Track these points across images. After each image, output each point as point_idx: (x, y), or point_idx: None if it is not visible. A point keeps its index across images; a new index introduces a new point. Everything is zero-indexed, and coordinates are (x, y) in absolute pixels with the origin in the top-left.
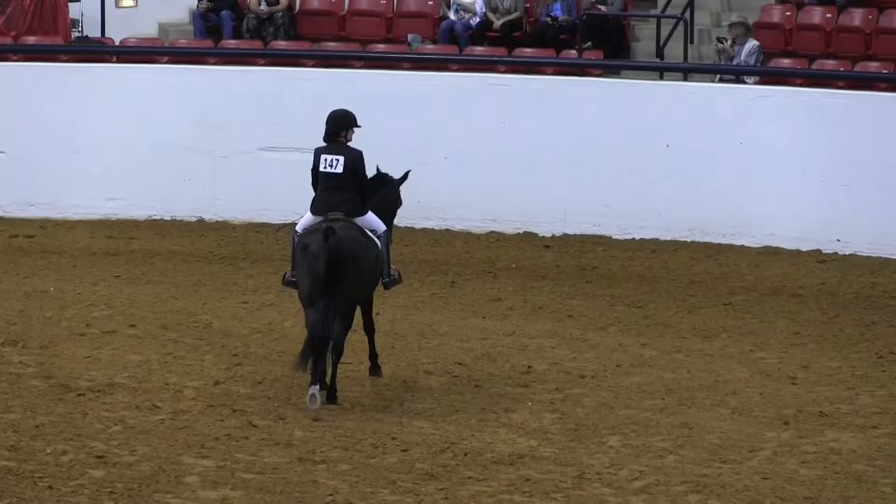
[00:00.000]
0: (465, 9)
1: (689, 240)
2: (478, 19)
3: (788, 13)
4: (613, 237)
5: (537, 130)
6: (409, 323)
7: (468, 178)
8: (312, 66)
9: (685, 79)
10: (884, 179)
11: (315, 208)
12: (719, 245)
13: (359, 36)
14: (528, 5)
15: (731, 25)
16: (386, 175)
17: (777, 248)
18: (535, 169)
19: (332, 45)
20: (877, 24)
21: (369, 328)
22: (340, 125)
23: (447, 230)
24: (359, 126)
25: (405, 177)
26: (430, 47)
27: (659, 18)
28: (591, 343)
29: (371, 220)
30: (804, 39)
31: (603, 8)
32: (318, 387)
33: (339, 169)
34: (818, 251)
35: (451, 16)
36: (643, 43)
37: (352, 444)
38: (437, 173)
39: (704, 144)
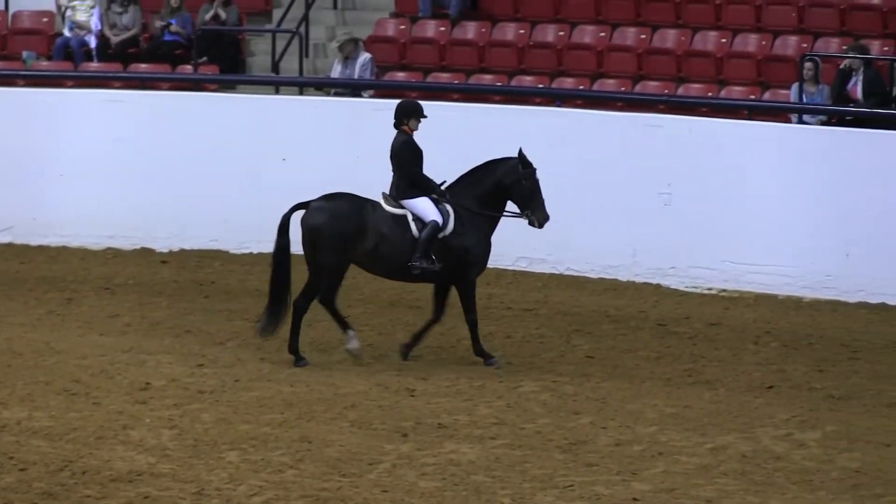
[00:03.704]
0: (80, 26)
1: None
2: (93, 36)
3: (403, 27)
4: (231, 252)
5: (154, 146)
6: (27, 341)
7: (84, 195)
8: None
9: (301, 93)
10: None
11: None
12: None
13: None
14: (144, 22)
15: (341, 44)
16: (511, 158)
17: None
18: (152, 184)
19: None
20: (490, 37)
21: (467, 318)
22: (400, 114)
23: (64, 247)
24: (425, 116)
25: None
26: (44, 64)
27: (274, 33)
28: (210, 358)
29: (414, 205)
30: (419, 53)
31: (221, 13)
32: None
33: (391, 154)
34: None
35: (67, 32)
36: (259, 57)
37: None
38: (53, 190)
39: (321, 158)
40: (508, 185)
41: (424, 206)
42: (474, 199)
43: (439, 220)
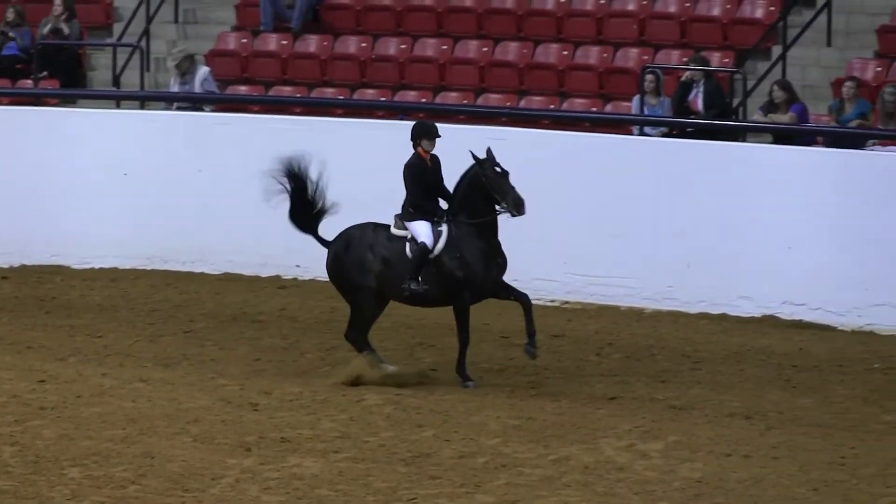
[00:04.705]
0: None
1: (148, 268)
2: None
3: (244, 40)
4: (73, 266)
5: None
6: None
7: None
8: None
9: (142, 107)
10: (361, 208)
11: None
12: (179, 273)
13: None
14: None
15: (177, 62)
16: (473, 165)
17: (237, 274)
18: None
19: None
20: (332, 50)
21: (459, 336)
22: (413, 136)
23: None
24: (438, 136)
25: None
26: None
27: (115, 47)
28: (51, 374)
29: (412, 227)
30: (261, 66)
31: (65, 28)
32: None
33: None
34: (278, 277)
35: None
36: (100, 72)
37: None
38: None
39: (163, 172)
40: (480, 186)
41: (419, 229)
42: (467, 215)
43: (429, 242)
